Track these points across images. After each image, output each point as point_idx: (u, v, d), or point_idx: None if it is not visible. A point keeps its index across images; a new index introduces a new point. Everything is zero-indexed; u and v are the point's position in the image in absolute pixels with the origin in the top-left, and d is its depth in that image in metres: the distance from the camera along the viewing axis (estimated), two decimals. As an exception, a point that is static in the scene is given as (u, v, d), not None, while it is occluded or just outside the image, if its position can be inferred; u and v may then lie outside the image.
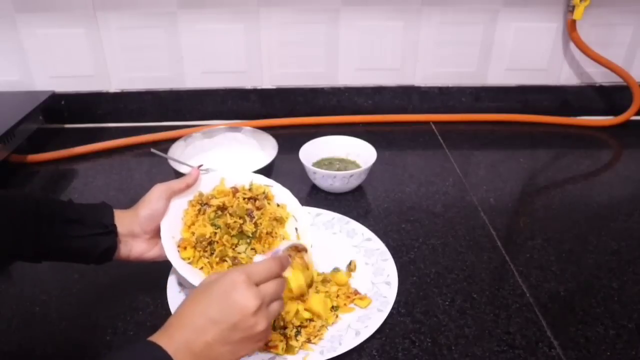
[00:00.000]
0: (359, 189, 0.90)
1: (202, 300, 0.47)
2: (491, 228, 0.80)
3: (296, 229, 0.68)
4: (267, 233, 0.64)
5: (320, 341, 0.60)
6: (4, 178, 0.95)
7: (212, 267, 0.61)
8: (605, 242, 0.78)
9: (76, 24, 1.06)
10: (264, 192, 0.69)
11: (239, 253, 0.63)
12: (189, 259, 0.62)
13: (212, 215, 0.65)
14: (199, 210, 0.65)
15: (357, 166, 0.89)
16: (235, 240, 0.64)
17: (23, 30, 1.06)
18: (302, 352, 0.58)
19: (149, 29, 1.08)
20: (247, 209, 0.65)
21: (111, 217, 0.59)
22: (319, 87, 1.16)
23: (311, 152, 0.92)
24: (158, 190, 0.62)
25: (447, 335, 0.61)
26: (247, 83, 1.16)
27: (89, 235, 0.56)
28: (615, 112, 1.17)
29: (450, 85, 1.18)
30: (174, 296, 0.65)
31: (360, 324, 0.62)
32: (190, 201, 0.66)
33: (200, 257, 0.62)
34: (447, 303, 0.66)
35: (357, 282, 0.69)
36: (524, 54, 1.14)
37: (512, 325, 0.62)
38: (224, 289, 0.47)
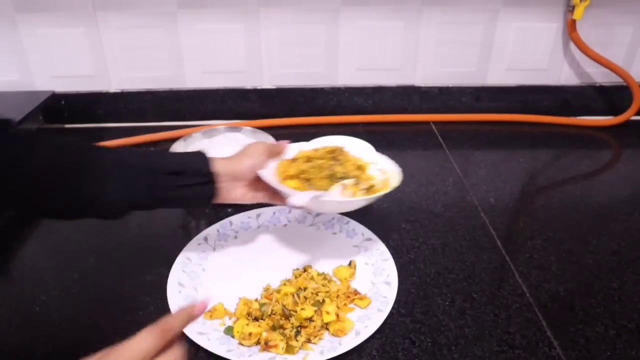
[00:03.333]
0: (359, 189, 0.90)
1: None
2: (491, 228, 0.80)
3: (379, 169, 0.73)
4: (355, 175, 0.70)
5: (320, 341, 0.60)
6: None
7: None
8: (605, 242, 0.78)
9: (76, 24, 1.06)
10: (341, 148, 0.75)
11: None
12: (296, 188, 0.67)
13: (303, 163, 0.71)
14: (291, 160, 0.72)
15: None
16: (330, 181, 0.68)
17: (23, 30, 1.06)
18: (302, 352, 0.58)
19: (149, 29, 1.08)
20: (332, 157, 0.72)
21: (211, 165, 0.63)
22: (319, 87, 1.16)
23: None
24: (260, 147, 0.68)
25: (447, 335, 0.61)
26: (247, 83, 1.16)
27: (192, 184, 0.61)
28: (615, 112, 1.17)
29: (450, 85, 1.18)
30: (174, 296, 0.65)
31: (360, 324, 0.62)
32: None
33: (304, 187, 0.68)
34: (447, 303, 0.66)
35: (357, 282, 0.69)
36: (524, 54, 1.14)
37: (512, 325, 0.62)
38: None
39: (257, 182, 0.68)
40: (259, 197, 0.69)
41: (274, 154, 0.70)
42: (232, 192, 0.65)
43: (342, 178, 0.69)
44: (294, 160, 0.72)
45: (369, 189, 0.69)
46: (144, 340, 0.42)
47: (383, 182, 0.71)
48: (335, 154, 0.73)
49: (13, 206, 0.60)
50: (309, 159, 0.72)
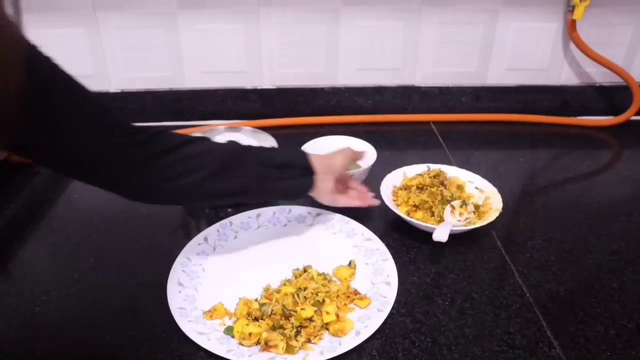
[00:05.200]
0: (359, 189, 0.90)
1: None
2: (491, 228, 0.80)
3: (476, 187, 0.85)
4: (458, 196, 0.82)
5: (320, 341, 0.60)
6: (5, 178, 0.95)
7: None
8: (605, 242, 0.78)
9: (76, 24, 1.06)
10: (439, 172, 0.86)
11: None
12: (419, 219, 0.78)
13: (415, 190, 0.83)
14: (402, 188, 0.85)
15: (357, 166, 0.89)
16: (443, 205, 0.79)
17: (23, 30, 1.06)
18: (302, 352, 0.58)
19: (149, 29, 1.08)
20: (439, 182, 0.84)
21: (308, 159, 0.71)
22: (319, 87, 1.16)
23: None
24: (347, 151, 0.78)
25: (447, 335, 0.61)
26: (247, 83, 1.16)
27: (297, 176, 0.70)
28: (615, 112, 1.17)
29: (450, 85, 1.18)
30: (174, 296, 0.65)
31: (360, 324, 0.62)
32: (396, 185, 0.86)
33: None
34: (447, 303, 0.66)
35: (357, 282, 0.69)
36: (524, 54, 1.14)
37: (512, 325, 0.62)
38: None
39: (343, 183, 0.78)
40: (344, 199, 0.78)
41: (357, 158, 0.82)
42: (325, 185, 0.73)
43: (450, 200, 0.80)
44: (405, 188, 0.85)
45: (476, 209, 0.79)
46: None
47: (485, 202, 0.82)
48: (440, 178, 0.85)
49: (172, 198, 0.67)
50: (419, 187, 0.84)
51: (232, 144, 0.70)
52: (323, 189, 0.73)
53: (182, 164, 0.63)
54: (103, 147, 0.57)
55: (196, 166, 0.64)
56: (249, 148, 0.71)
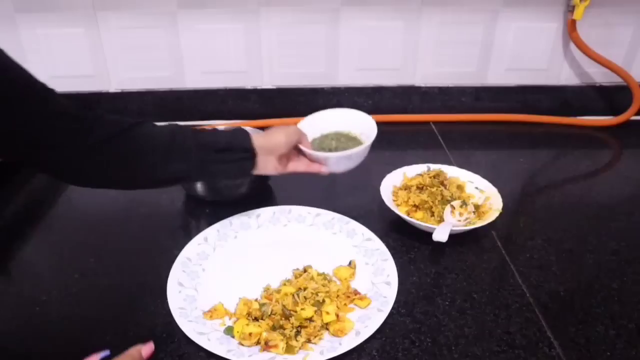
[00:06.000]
0: (359, 189, 0.90)
1: None
2: (491, 228, 0.80)
3: (476, 187, 0.85)
4: (458, 196, 0.82)
5: (320, 341, 0.60)
6: (5, 178, 0.95)
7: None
8: (605, 242, 0.78)
9: (76, 24, 1.06)
10: (442, 171, 0.87)
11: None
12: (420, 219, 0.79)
13: (415, 190, 0.83)
14: (403, 188, 0.85)
15: (358, 142, 0.82)
16: (443, 205, 0.80)
17: (23, 30, 1.06)
18: (302, 352, 0.58)
19: (149, 29, 1.08)
20: (439, 182, 0.85)
21: (250, 141, 0.70)
22: (319, 87, 1.16)
23: (309, 130, 0.82)
24: (294, 127, 0.76)
25: (447, 335, 0.61)
26: (247, 83, 1.16)
27: (238, 159, 0.70)
28: (615, 112, 1.17)
29: (450, 85, 1.18)
30: (174, 296, 0.65)
31: (360, 324, 0.62)
32: (396, 185, 0.87)
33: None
34: (447, 303, 0.66)
35: (357, 282, 0.69)
36: (524, 54, 1.14)
37: (512, 325, 0.62)
38: None
39: (288, 156, 0.76)
40: (291, 168, 0.77)
41: (300, 136, 0.77)
42: (267, 164, 0.73)
43: (450, 200, 0.80)
44: (405, 188, 0.84)
45: (477, 209, 0.80)
46: None
47: (485, 202, 0.82)
48: (440, 178, 0.85)
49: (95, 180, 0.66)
50: (419, 187, 0.84)
51: (173, 128, 0.68)
52: (265, 169, 0.73)
53: (124, 150, 0.63)
54: (42, 131, 0.57)
55: (138, 152, 0.64)
56: (190, 132, 0.69)
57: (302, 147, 0.77)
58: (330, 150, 0.80)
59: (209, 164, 0.68)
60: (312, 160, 0.78)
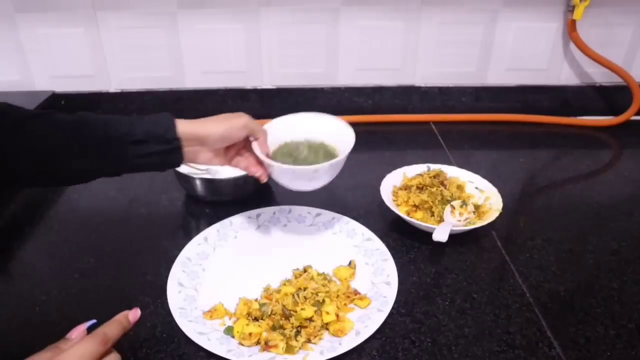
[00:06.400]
0: (359, 189, 0.90)
1: None
2: (491, 228, 0.80)
3: (476, 187, 0.84)
4: (458, 196, 0.82)
5: (320, 341, 0.60)
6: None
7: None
8: (605, 242, 0.78)
9: (76, 24, 1.06)
10: (442, 171, 0.86)
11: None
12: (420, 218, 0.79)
13: (415, 190, 0.83)
14: (403, 188, 0.85)
15: (330, 154, 0.73)
16: (443, 205, 0.79)
17: (23, 30, 1.06)
18: (302, 352, 0.58)
19: (149, 29, 1.08)
20: (439, 182, 0.84)
21: (174, 130, 0.62)
22: (319, 87, 1.16)
23: (282, 132, 0.75)
24: (244, 121, 0.66)
25: (447, 335, 0.61)
26: (247, 83, 1.16)
27: (156, 152, 0.61)
28: (615, 112, 1.17)
29: (450, 85, 1.18)
30: (174, 296, 0.65)
31: (360, 324, 0.62)
32: (396, 185, 0.86)
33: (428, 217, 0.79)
34: (447, 303, 0.66)
35: (357, 282, 0.69)
36: (524, 54, 1.14)
37: (512, 325, 0.62)
38: None
39: (237, 149, 0.69)
40: (234, 163, 0.69)
41: (255, 132, 0.68)
42: (198, 156, 0.65)
43: (450, 200, 0.80)
44: (405, 188, 0.84)
45: (477, 209, 0.79)
46: (85, 347, 0.46)
47: (485, 202, 0.82)
48: (440, 178, 0.85)
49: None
50: (419, 187, 0.84)
51: (83, 118, 0.59)
52: (195, 160, 0.66)
53: (28, 143, 0.56)
54: None
55: (44, 147, 0.57)
56: (103, 122, 0.60)
57: (254, 145, 0.69)
58: (297, 159, 0.73)
59: (124, 159, 0.60)
60: (259, 162, 0.70)
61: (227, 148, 0.68)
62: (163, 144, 0.61)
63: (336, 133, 0.74)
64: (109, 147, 0.59)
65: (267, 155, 0.70)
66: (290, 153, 0.74)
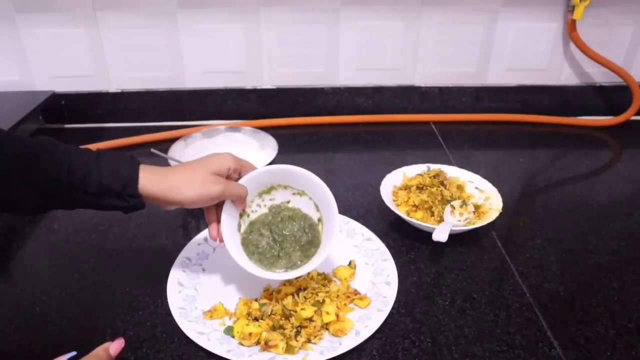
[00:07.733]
0: (359, 189, 0.90)
1: None
2: (491, 228, 0.80)
3: (476, 187, 0.85)
4: (458, 196, 0.81)
5: (320, 341, 0.60)
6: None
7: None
8: (605, 242, 0.78)
9: (76, 23, 1.06)
10: (439, 172, 0.86)
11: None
12: (420, 219, 0.78)
13: (415, 190, 0.83)
14: (403, 188, 0.85)
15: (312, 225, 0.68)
16: (442, 205, 0.79)
17: (23, 30, 1.07)
18: (302, 352, 0.58)
19: (149, 29, 1.08)
20: (439, 182, 0.84)
21: (135, 185, 0.54)
22: (319, 87, 1.16)
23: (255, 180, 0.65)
24: (220, 189, 0.58)
25: (447, 335, 0.61)
26: (247, 83, 1.16)
27: (112, 206, 0.55)
28: (615, 112, 1.17)
29: (450, 85, 1.18)
30: (174, 296, 0.65)
31: (360, 324, 0.62)
32: (396, 185, 0.85)
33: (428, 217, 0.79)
34: (447, 303, 0.66)
35: (357, 282, 0.69)
36: (524, 54, 1.14)
37: (512, 325, 0.62)
38: None
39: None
40: (205, 212, 0.64)
41: (233, 197, 0.61)
42: (164, 207, 0.59)
43: (450, 200, 0.79)
44: (405, 188, 0.84)
45: (477, 209, 0.79)
46: None
47: (485, 202, 0.81)
48: (440, 178, 0.84)
49: None
50: (419, 187, 0.83)
51: (36, 151, 0.53)
52: (165, 208, 0.59)
53: None
54: None
55: None
56: (55, 164, 0.53)
57: (227, 205, 0.63)
58: (273, 232, 0.67)
59: (76, 203, 0.55)
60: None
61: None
62: (119, 200, 0.55)
63: (319, 195, 0.67)
64: (60, 191, 0.53)
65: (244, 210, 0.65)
66: (266, 222, 0.67)
